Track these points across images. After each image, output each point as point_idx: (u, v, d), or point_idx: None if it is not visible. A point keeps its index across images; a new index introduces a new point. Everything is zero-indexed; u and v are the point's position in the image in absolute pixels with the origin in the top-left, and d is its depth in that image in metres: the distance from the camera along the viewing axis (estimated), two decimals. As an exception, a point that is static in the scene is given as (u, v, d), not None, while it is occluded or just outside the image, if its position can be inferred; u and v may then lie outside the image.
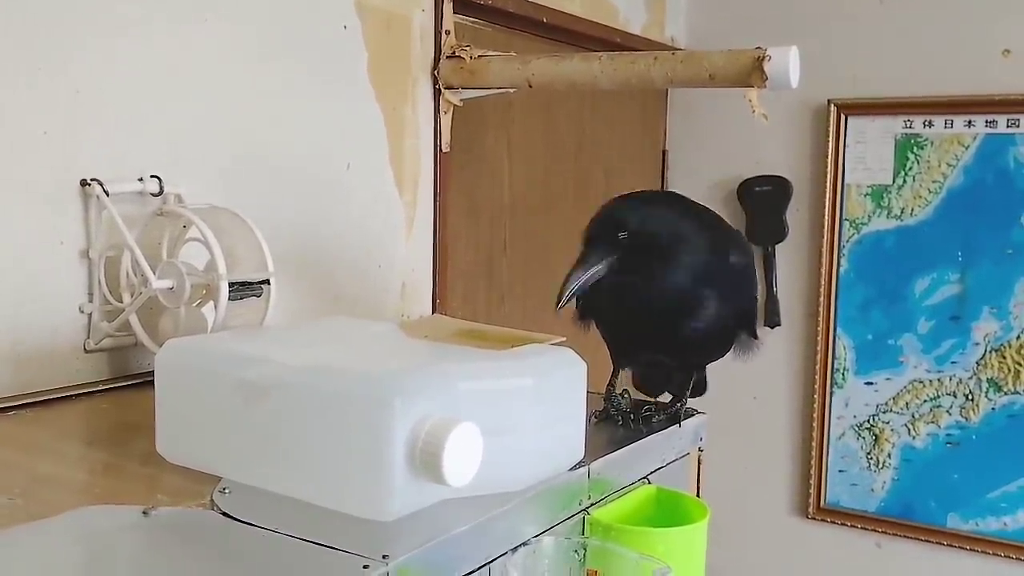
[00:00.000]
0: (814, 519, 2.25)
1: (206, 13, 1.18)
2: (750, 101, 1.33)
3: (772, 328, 2.29)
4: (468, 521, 0.69)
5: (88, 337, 1.08)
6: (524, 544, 0.74)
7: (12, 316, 1.02)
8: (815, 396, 2.24)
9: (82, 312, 1.08)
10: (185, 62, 1.17)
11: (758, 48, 1.31)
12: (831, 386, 2.23)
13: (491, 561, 0.71)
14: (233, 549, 0.64)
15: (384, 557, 0.61)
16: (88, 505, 0.70)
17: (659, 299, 0.94)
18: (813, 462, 2.25)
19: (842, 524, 2.23)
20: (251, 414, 0.71)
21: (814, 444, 2.24)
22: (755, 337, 1.05)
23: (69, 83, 1.05)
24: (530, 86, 1.48)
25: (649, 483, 0.92)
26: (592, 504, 0.84)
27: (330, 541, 0.63)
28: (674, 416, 1.00)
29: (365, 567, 0.60)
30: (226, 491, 0.72)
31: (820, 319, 2.22)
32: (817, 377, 2.23)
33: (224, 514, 0.68)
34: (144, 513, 0.68)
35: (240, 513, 0.68)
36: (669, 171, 2.42)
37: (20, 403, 0.98)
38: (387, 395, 0.65)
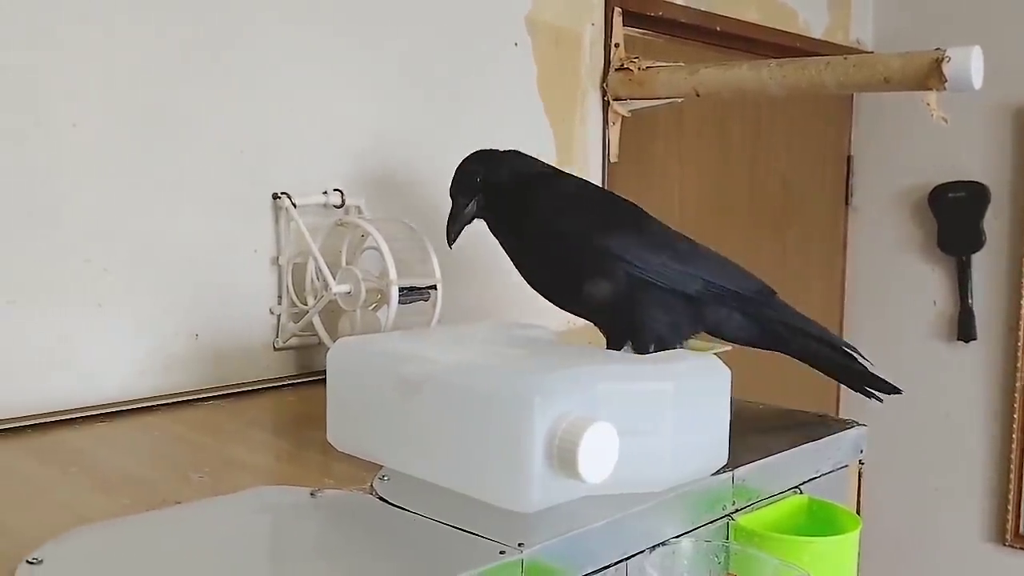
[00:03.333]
0: (1012, 547, 2.11)
1: (383, 37, 1.27)
2: (928, 104, 1.28)
3: (967, 342, 2.16)
4: (605, 517, 0.71)
5: (277, 336, 1.19)
6: (663, 544, 0.76)
7: (213, 316, 1.14)
8: (1015, 415, 2.09)
9: (272, 314, 1.19)
10: (364, 84, 1.26)
11: (937, 49, 1.26)
12: (1033, 405, 2.08)
13: (627, 558, 0.73)
14: (386, 530, 0.70)
15: (519, 545, 0.65)
16: (264, 485, 0.78)
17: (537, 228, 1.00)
18: (1012, 486, 2.10)
19: (1045, 554, 2.08)
20: (407, 408, 0.77)
21: (1013, 467, 2.10)
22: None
23: (262, 106, 1.16)
24: (698, 95, 1.49)
25: (800, 493, 0.91)
26: (737, 510, 0.84)
27: (471, 527, 0.68)
28: None
29: (501, 553, 0.64)
30: (385, 478, 0.78)
31: (1021, 333, 2.07)
32: (1017, 395, 2.09)
33: (381, 498, 0.74)
34: (311, 494, 0.75)
35: (394, 498, 0.74)
36: (854, 178, 2.33)
37: (217, 394, 1.09)
38: (527, 393, 0.69)
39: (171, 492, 0.76)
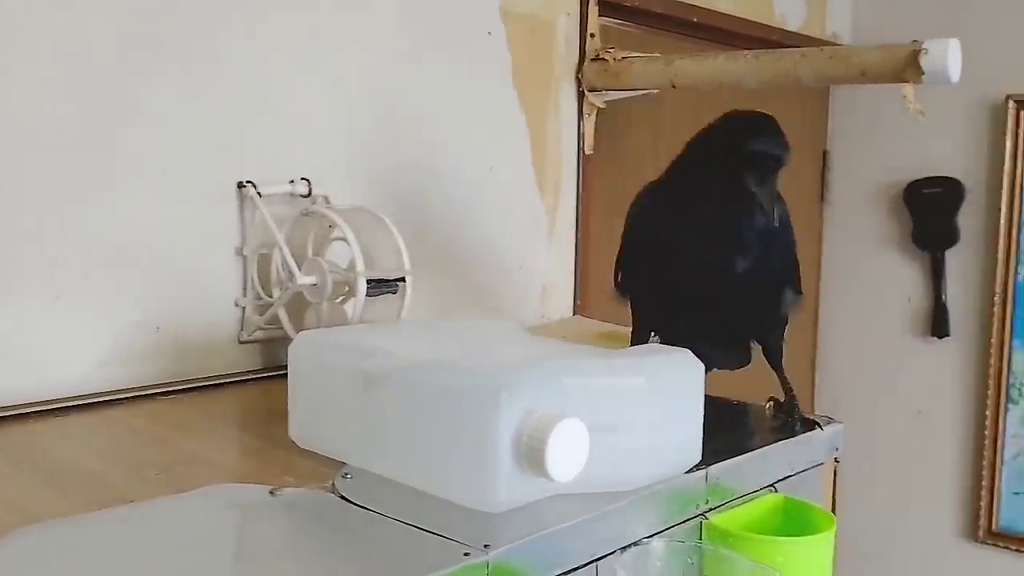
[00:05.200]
0: (984, 543, 2.11)
1: (352, 24, 1.24)
2: (904, 97, 1.27)
3: (940, 339, 2.16)
4: (575, 517, 0.69)
5: (242, 329, 1.15)
6: (634, 544, 0.74)
7: (176, 308, 1.10)
8: (987, 412, 2.09)
9: (237, 306, 1.15)
10: (334, 71, 1.23)
11: (915, 42, 1.25)
12: (1006, 402, 2.08)
13: (597, 559, 0.71)
14: (347, 530, 0.67)
15: (485, 547, 0.63)
16: (222, 483, 0.75)
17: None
18: (984, 483, 2.10)
19: (1016, 550, 2.08)
20: (370, 404, 0.74)
21: (985, 464, 2.10)
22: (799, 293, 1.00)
23: (228, 93, 1.12)
24: (673, 87, 1.47)
25: (776, 492, 0.90)
26: (711, 509, 0.82)
27: (435, 528, 0.65)
28: (791, 418, 0.96)
29: (465, 555, 0.62)
30: (348, 476, 0.76)
31: (994, 330, 2.08)
32: (990, 392, 2.09)
33: (342, 497, 0.72)
34: (271, 493, 0.73)
35: (356, 497, 0.71)
36: (830, 172, 2.33)
37: (179, 388, 1.06)
38: (493, 389, 0.66)
39: (126, 489, 0.74)
